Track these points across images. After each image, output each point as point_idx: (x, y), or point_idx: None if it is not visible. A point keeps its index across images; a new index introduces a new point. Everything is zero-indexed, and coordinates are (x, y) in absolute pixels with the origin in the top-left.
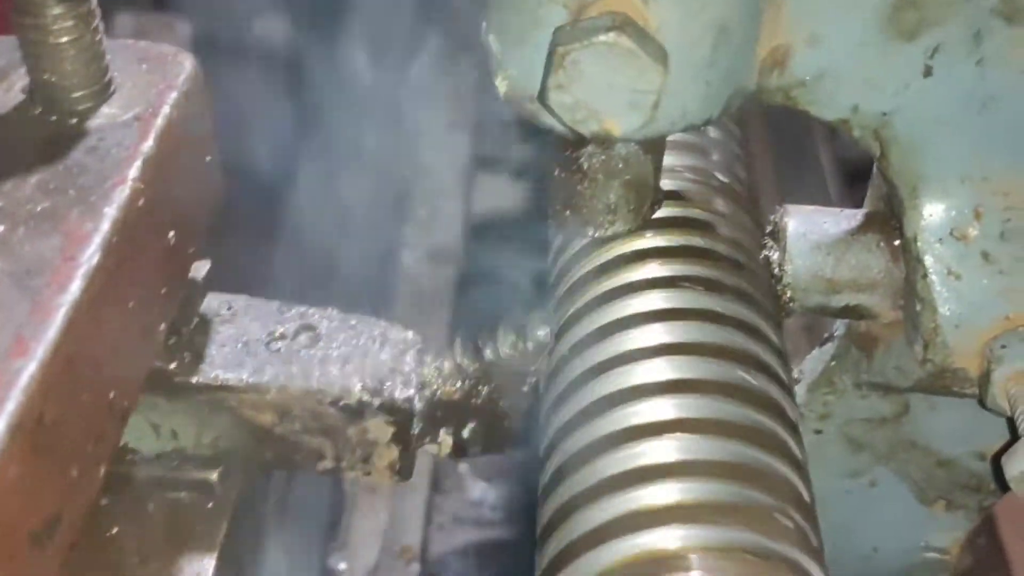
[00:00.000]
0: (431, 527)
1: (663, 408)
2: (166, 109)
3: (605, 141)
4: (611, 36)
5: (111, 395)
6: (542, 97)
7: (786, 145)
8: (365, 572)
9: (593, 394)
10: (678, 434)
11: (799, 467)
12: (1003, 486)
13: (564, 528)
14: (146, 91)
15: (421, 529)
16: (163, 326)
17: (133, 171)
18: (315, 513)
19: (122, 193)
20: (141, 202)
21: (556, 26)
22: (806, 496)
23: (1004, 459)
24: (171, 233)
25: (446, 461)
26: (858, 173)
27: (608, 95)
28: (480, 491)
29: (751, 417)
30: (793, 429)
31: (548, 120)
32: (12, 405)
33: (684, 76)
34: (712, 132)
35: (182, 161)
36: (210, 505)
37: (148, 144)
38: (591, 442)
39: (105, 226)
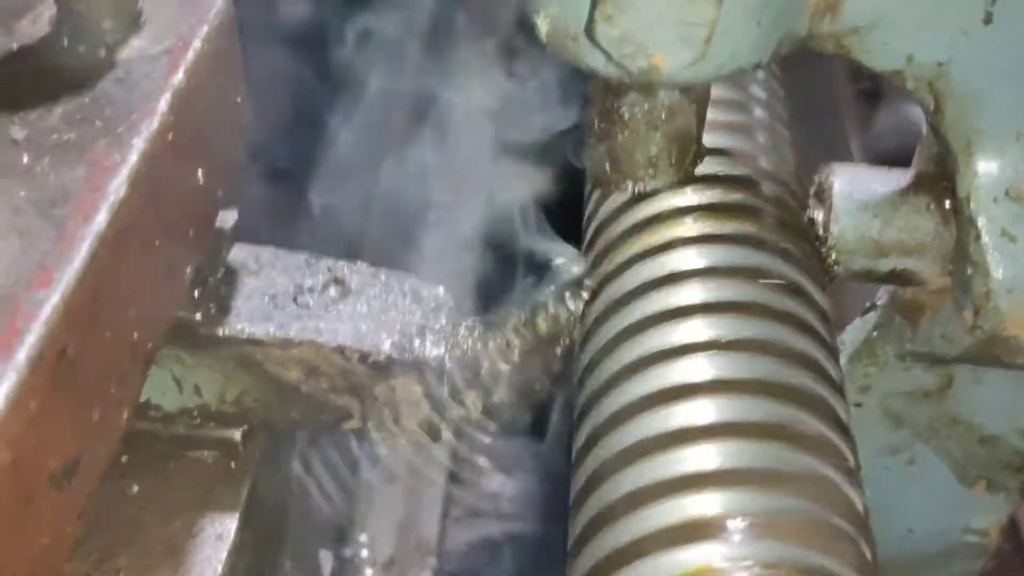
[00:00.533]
0: (448, 519)
1: (701, 368)
2: (197, 43)
3: (652, 81)
4: None
5: (135, 335)
6: (589, 31)
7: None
8: (381, 564)
9: (630, 355)
10: (717, 394)
11: (843, 429)
12: None
13: (600, 492)
14: (176, 25)
15: (438, 521)
16: (189, 270)
17: (162, 104)
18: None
19: (150, 125)
20: (170, 136)
21: None
22: (850, 459)
23: None
24: (199, 171)
25: (463, 454)
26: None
27: (658, 28)
28: (498, 484)
29: (794, 377)
30: (837, 390)
31: (591, 61)
32: (33, 337)
33: (736, 13)
34: (756, 90)
35: (212, 98)
36: (233, 465)
37: (178, 77)
38: (628, 403)
39: (133, 157)
